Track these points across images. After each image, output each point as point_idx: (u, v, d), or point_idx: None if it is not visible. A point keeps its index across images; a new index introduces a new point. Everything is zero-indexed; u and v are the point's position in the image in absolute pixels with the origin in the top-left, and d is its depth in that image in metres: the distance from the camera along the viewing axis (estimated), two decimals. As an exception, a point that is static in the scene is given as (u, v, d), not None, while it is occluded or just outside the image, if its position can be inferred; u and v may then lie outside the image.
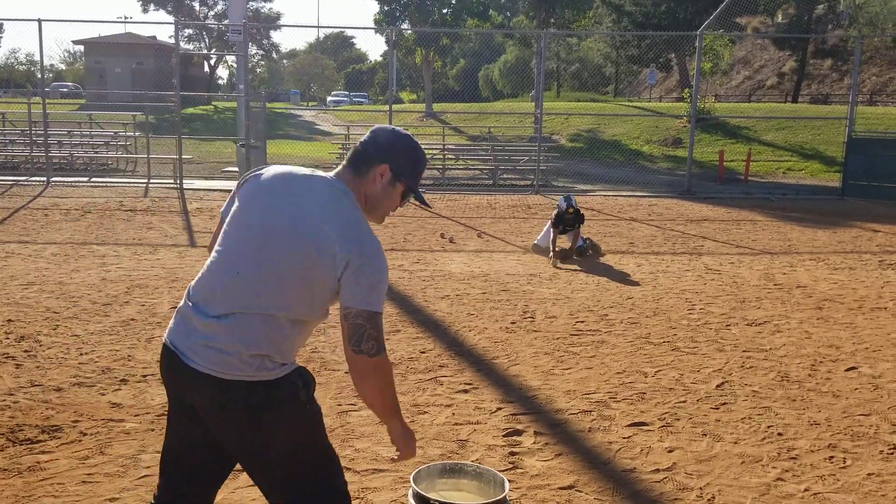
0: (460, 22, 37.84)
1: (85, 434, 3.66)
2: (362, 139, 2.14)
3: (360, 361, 1.98)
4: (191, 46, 52.14)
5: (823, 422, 4.05)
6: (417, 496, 2.31)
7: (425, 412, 4.05)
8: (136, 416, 3.90)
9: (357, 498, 3.15)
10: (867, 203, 14.32)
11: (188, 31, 52.07)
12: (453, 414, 4.04)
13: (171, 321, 2.13)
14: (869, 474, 3.47)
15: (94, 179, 15.64)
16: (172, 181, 15.62)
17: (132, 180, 16.06)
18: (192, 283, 2.12)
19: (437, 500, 2.27)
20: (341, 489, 2.14)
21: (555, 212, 8.48)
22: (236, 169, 17.85)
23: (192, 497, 2.21)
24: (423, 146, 2.23)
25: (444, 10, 37.85)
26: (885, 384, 4.66)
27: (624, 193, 15.31)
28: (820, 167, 20.50)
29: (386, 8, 39.47)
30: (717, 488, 3.31)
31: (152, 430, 3.73)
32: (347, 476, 3.21)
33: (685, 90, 28.41)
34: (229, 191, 2.17)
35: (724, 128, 25.16)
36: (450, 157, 17.07)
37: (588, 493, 3.25)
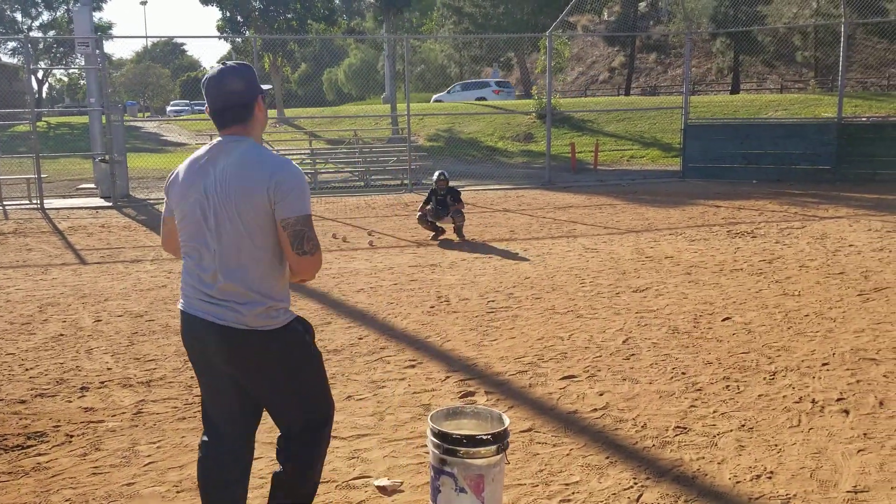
0: (306, 27, 37.80)
1: (72, 436, 3.84)
2: (217, 102, 2.42)
3: (304, 262, 2.39)
4: (16, 60, 48.75)
5: (715, 361, 4.85)
6: (438, 433, 2.78)
7: (384, 386, 4.50)
8: (112, 416, 4.10)
9: (353, 458, 3.57)
10: (705, 183, 15.94)
11: (11, 45, 48.74)
12: (409, 385, 4.51)
13: (184, 300, 2.51)
14: (759, 395, 4.26)
15: (-61, 206, 14.68)
16: (28, 202, 14.97)
17: (-18, 204, 15.18)
18: (183, 279, 2.52)
19: (456, 434, 2.75)
20: (333, 404, 2.70)
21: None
22: (93, 185, 17.25)
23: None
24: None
25: (290, 16, 37.69)
26: (755, 328, 5.56)
27: (492, 187, 16.20)
28: (659, 153, 22.37)
29: (228, 15, 38.78)
30: (647, 417, 3.98)
31: (135, 426, 3.96)
32: (335, 443, 3.64)
33: (534, 87, 29.93)
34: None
35: (570, 121, 26.80)
36: (319, 160, 17.31)
37: (545, 433, 3.83)
